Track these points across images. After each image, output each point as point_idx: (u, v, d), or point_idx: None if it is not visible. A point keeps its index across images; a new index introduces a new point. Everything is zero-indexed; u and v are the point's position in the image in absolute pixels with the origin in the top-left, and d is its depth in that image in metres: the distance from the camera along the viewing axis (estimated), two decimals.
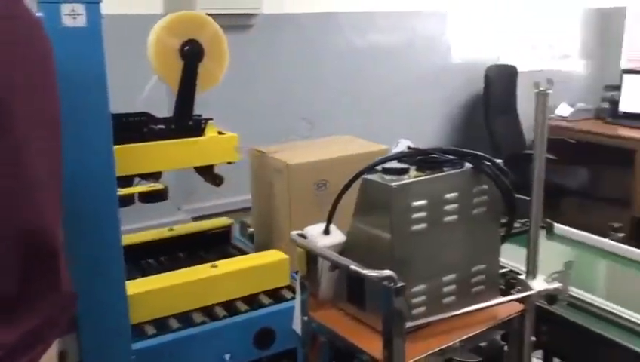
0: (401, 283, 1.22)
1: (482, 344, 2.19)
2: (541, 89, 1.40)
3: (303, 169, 1.92)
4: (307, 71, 3.49)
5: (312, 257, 1.49)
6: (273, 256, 1.81)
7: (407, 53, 3.89)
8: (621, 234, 2.20)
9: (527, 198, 1.50)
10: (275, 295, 1.78)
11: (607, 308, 1.61)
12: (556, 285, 1.49)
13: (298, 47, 3.43)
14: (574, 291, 1.64)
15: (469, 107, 4.18)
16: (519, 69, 4.19)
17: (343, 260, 1.34)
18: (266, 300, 1.75)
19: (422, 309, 1.41)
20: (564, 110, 4.54)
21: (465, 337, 1.44)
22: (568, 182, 4.04)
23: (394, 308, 1.24)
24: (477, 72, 4.12)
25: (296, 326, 1.58)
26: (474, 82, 4.13)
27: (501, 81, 4.08)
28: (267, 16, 3.24)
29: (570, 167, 4.13)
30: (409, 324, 1.36)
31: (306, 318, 1.53)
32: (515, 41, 4.40)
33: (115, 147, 1.33)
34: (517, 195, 1.54)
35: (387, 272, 1.23)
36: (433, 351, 1.38)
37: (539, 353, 2.19)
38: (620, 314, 1.58)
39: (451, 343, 1.42)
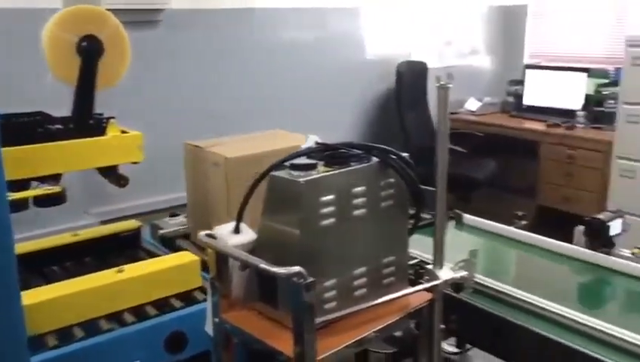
0: (310, 279, 1.22)
1: (397, 334, 2.24)
2: (442, 83, 1.43)
3: (240, 162, 1.90)
4: (218, 68, 3.43)
5: (222, 257, 1.46)
6: (183, 257, 1.76)
7: (319, 49, 3.91)
8: (524, 222, 2.30)
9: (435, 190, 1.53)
10: (187, 297, 1.73)
11: (512, 294, 1.67)
12: (462, 273, 1.53)
13: (208, 44, 3.37)
14: (481, 278, 1.70)
15: (382, 102, 4.26)
16: (429, 65, 4.31)
17: (252, 259, 1.32)
18: (177, 303, 1.70)
19: (333, 303, 1.41)
20: (472, 104, 4.72)
21: (377, 328, 1.46)
22: (478, 173, 4.21)
23: (304, 303, 1.23)
24: (389, 68, 4.20)
25: (209, 328, 1.54)
26: (386, 78, 4.21)
27: (412, 77, 4.19)
28: (176, 11, 3.16)
29: (479, 160, 4.30)
30: (320, 319, 1.36)
31: (217, 320, 1.50)
32: (426, 38, 4.52)
33: (4, 149, 1.24)
34: (425, 187, 1.58)
35: (296, 269, 1.22)
36: (345, 344, 1.38)
37: (454, 340, 2.28)
38: (525, 298, 1.64)
39: (363, 335, 1.43)
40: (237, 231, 1.47)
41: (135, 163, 1.75)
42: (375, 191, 1.47)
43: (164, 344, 1.63)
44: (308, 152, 1.44)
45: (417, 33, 4.46)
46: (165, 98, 3.20)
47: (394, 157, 1.49)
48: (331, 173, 1.37)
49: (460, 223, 2.34)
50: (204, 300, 1.70)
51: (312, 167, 1.36)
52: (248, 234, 1.47)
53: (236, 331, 1.47)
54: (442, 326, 1.59)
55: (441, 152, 1.47)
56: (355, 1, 4.07)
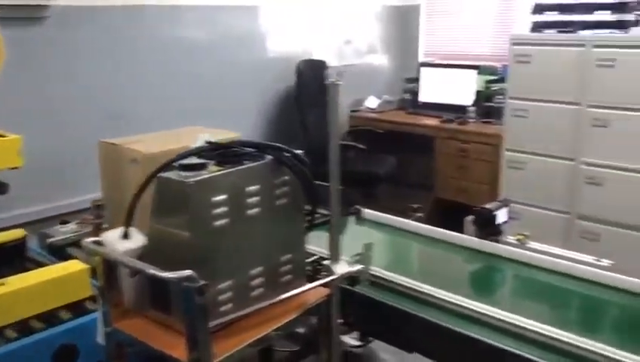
0: (202, 282, 1.19)
1: (302, 331, 2.25)
2: (332, 80, 1.44)
3: (159, 158, 1.85)
4: (112, 67, 3.29)
5: (110, 264, 1.40)
6: (71, 266, 1.67)
7: (218, 47, 3.84)
8: (420, 214, 2.38)
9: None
10: (77, 308, 1.64)
11: (408, 284, 1.71)
12: (357, 267, 1.56)
13: (101, 42, 3.22)
14: (377, 271, 1.74)
15: (283, 101, 4.26)
16: (329, 64, 4.36)
17: (141, 264, 1.27)
18: (66, 315, 1.61)
19: (230, 305, 1.39)
20: (371, 102, 4.82)
21: (276, 327, 1.46)
22: (379, 169, 4.30)
23: (197, 307, 1.20)
24: (289, 66, 4.21)
25: (100, 338, 1.47)
26: (287, 77, 4.21)
27: (312, 75, 4.21)
28: (64, 7, 2.99)
29: (380, 156, 4.39)
30: (216, 322, 1.33)
31: (109, 329, 1.44)
32: (325, 36, 4.57)
33: None
34: (321, 183, 1.59)
35: (187, 272, 1.19)
36: (243, 345, 1.37)
37: (357, 334, 2.32)
38: (419, 288, 1.69)
39: (261, 335, 1.42)
40: (126, 236, 1.41)
41: (14, 168, 1.64)
42: (269, 189, 1.46)
43: (53, 358, 1.53)
44: (198, 152, 1.40)
45: (317, 32, 4.49)
46: (52, 100, 3.02)
47: (287, 154, 1.49)
48: (222, 172, 1.35)
49: (359, 218, 2.39)
50: (96, 310, 1.62)
51: (202, 166, 1.33)
52: (138, 240, 1.41)
53: (129, 340, 1.41)
54: (341, 320, 1.61)
55: (333, 149, 1.48)
56: (254, 0, 4.04)
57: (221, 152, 1.42)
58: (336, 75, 1.45)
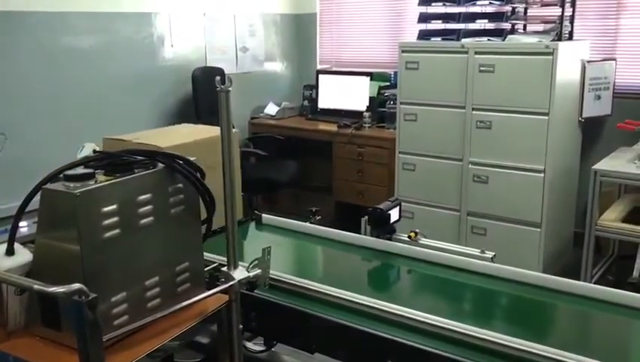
0: (92, 296, 1.16)
1: (205, 340, 2.22)
2: (222, 87, 1.45)
3: (178, 151, 1.77)
4: (8, 73, 3.11)
5: None
6: None
7: (111, 55, 3.73)
8: (318, 217, 2.44)
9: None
10: None
11: (307, 286, 1.75)
12: (256, 272, 1.58)
13: None
14: (276, 274, 1.76)
15: (181, 109, 4.20)
16: (226, 71, 4.34)
17: (26, 281, 1.22)
18: None
19: (125, 318, 1.36)
20: (271, 109, 4.86)
21: (174, 336, 1.44)
22: (281, 175, 4.34)
23: (88, 322, 1.16)
24: (185, 74, 4.16)
25: None
26: (184, 85, 4.16)
27: (209, 83, 4.17)
28: None
29: (281, 161, 4.44)
30: (110, 335, 1.30)
31: None
32: (221, 44, 4.55)
33: None
34: None
35: (76, 286, 1.15)
36: (140, 357, 1.34)
37: (261, 339, 2.32)
38: (319, 289, 1.72)
39: (159, 345, 1.40)
40: (10, 252, 1.34)
41: None
42: (163, 198, 1.44)
43: None
44: (85, 162, 1.36)
45: (213, 40, 4.47)
46: None
47: (180, 162, 1.48)
48: (111, 182, 1.32)
49: (260, 223, 2.40)
50: None
51: (90, 176, 1.30)
52: (24, 256, 1.35)
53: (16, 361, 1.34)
54: (241, 326, 1.61)
55: (226, 155, 1.49)
56: (148, 7, 3.95)
57: (110, 161, 1.39)
58: (227, 80, 1.46)
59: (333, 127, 4.43)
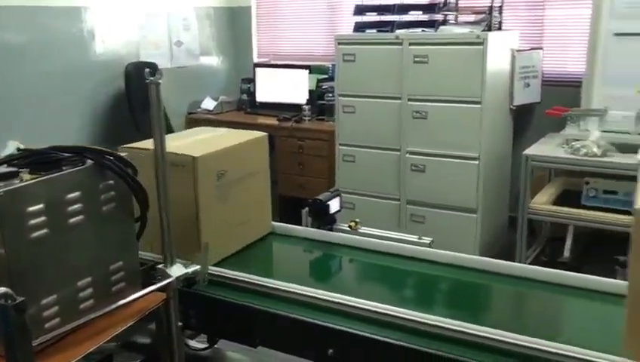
0: (20, 299, 1.11)
1: (146, 341, 2.17)
2: (151, 79, 1.41)
3: (209, 160, 1.78)
4: None
5: None
6: None
7: (39, 51, 3.59)
8: None
9: None
10: None
11: (247, 279, 1.73)
12: (193, 268, 1.55)
13: None
14: (215, 270, 1.74)
15: (115, 104, 4.08)
16: (160, 66, 4.25)
17: None
18: None
19: (56, 320, 1.31)
20: (208, 104, 4.79)
21: (109, 338, 1.40)
22: None
23: (16, 326, 1.12)
24: (118, 69, 4.05)
25: None
26: (116, 80, 4.05)
27: (142, 78, 4.07)
28: None
29: None
30: (41, 339, 1.25)
31: None
32: (154, 38, 4.45)
33: None
34: None
35: (1, 289, 1.10)
36: (75, 359, 1.30)
37: (204, 337, 2.29)
38: (259, 282, 1.71)
39: (94, 347, 1.35)
40: None
41: None
42: (93, 195, 1.40)
43: None
44: (8, 160, 1.30)
45: (145, 34, 4.36)
46: None
47: (110, 158, 1.44)
48: (37, 180, 1.27)
49: None
50: None
51: (14, 175, 1.24)
52: None
53: None
54: (181, 323, 1.59)
55: (159, 150, 1.46)
56: (78, 1, 3.82)
57: (35, 159, 1.33)
58: (157, 73, 1.42)
59: (273, 121, 4.41)
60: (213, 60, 5.04)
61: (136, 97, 3.98)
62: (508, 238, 3.76)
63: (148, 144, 1.80)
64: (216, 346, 2.25)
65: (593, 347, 1.29)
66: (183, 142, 1.88)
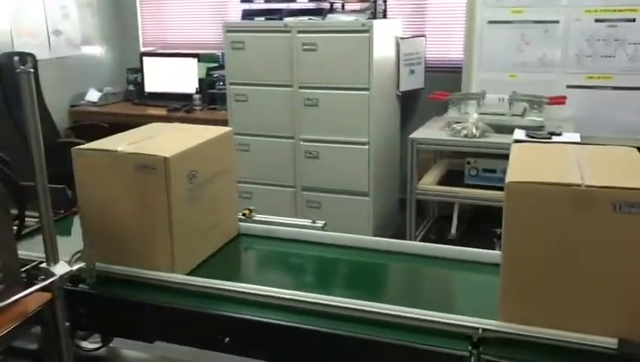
0: None
1: (32, 346, 2.06)
2: (22, 68, 1.33)
3: (180, 161, 1.60)
4: None
5: None
6: None
7: None
8: None
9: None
10: None
11: (135, 274, 1.66)
12: (79, 265, 1.49)
13: None
14: (104, 266, 1.67)
15: None
16: (38, 57, 3.99)
17: None
18: None
19: None
20: (92, 95, 4.57)
21: None
22: None
23: None
24: None
25: None
26: None
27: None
28: None
29: None
30: None
31: None
32: (30, 27, 4.17)
33: None
34: (28, 183, 1.47)
35: None
36: None
37: (98, 337, 2.20)
38: (152, 276, 1.65)
39: None
40: None
41: None
42: None
43: None
44: None
45: (20, 22, 4.07)
46: None
47: None
48: None
49: None
50: None
51: None
52: None
53: None
54: (68, 323, 1.52)
55: (35, 144, 1.38)
56: None
57: None
58: (29, 62, 1.34)
59: (163, 111, 4.29)
60: (97, 50, 4.81)
61: (13, 92, 3.71)
62: (399, 219, 3.92)
63: (107, 144, 1.67)
64: (110, 345, 2.19)
65: (477, 314, 1.38)
66: (144, 142, 1.70)
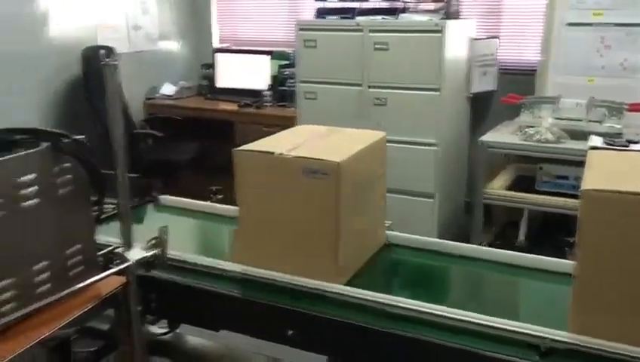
0: None
1: (105, 327, 2.15)
2: (107, 61, 1.40)
3: (349, 166, 1.52)
4: None
5: None
6: None
7: None
8: (220, 196, 2.43)
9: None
10: None
11: (207, 263, 1.72)
12: (153, 251, 1.55)
13: None
14: (175, 254, 1.73)
15: (70, 90, 3.99)
16: (118, 51, 4.17)
17: None
18: None
19: (11, 305, 1.29)
20: (168, 89, 4.72)
21: (66, 322, 1.38)
22: (180, 156, 4.25)
23: None
24: (74, 53, 3.95)
25: None
26: (72, 64, 3.95)
27: (99, 63, 3.99)
28: None
29: (180, 143, 4.34)
30: None
31: None
32: (112, 22, 4.35)
33: None
34: (108, 171, 1.53)
35: None
36: (28, 345, 1.28)
37: (165, 323, 2.28)
38: (219, 266, 1.71)
39: (49, 333, 1.34)
40: None
41: None
42: (48, 178, 1.37)
43: None
44: None
45: (102, 18, 4.26)
46: None
47: (67, 140, 1.42)
48: None
49: (159, 205, 2.35)
50: None
51: None
52: None
53: None
54: (140, 307, 1.58)
55: (117, 133, 1.44)
56: None
57: None
58: (113, 55, 1.40)
59: (234, 107, 4.39)
60: (173, 45, 4.97)
61: (95, 82, 3.89)
62: (464, 223, 3.85)
63: (267, 146, 1.63)
64: (177, 331, 2.26)
65: (544, 323, 1.34)
66: (308, 146, 1.64)
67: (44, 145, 1.37)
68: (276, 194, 1.59)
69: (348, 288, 1.56)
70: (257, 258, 1.63)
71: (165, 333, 2.21)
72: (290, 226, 1.59)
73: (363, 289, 1.54)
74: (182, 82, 4.83)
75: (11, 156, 1.29)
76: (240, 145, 1.75)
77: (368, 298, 1.51)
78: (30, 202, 1.33)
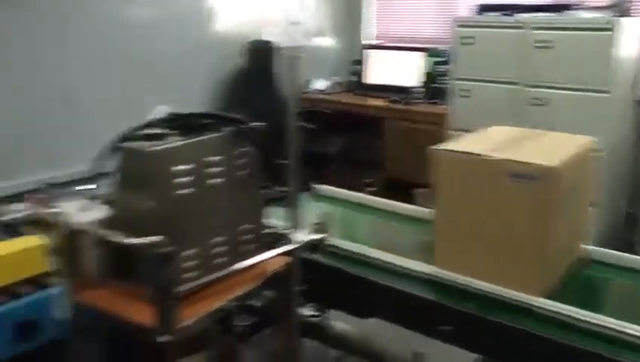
0: (169, 248, 1.22)
1: (258, 304, 2.28)
2: (292, 54, 1.48)
3: (563, 172, 1.44)
4: (60, 46, 3.22)
5: (72, 235, 1.40)
6: (27, 241, 1.65)
7: (161, 26, 3.79)
8: (373, 188, 2.46)
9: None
10: (35, 283, 1.62)
11: (365, 252, 1.78)
12: (317, 235, 1.62)
13: (50, 20, 3.15)
14: (335, 241, 1.79)
15: (231, 82, 4.24)
16: (276, 45, 4.36)
17: (109, 233, 1.29)
18: (24, 289, 1.59)
19: (194, 273, 1.42)
20: (320, 84, 4.87)
21: (235, 296, 1.49)
22: (328, 149, 4.37)
23: (164, 274, 1.23)
24: (237, 47, 4.20)
25: (60, 312, 1.47)
26: (235, 57, 4.20)
27: (261, 57, 4.22)
28: None
29: (329, 136, 4.46)
30: (181, 288, 1.36)
31: (70, 303, 1.44)
32: (273, 17, 4.56)
33: None
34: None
35: (154, 238, 1.21)
36: (207, 312, 1.40)
37: (313, 307, 2.37)
38: (378, 256, 1.76)
39: (223, 303, 1.45)
40: (87, 208, 1.42)
41: None
42: (230, 160, 1.49)
43: (13, 333, 1.52)
44: (160, 122, 1.42)
45: (263, 13, 4.49)
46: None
47: (247, 127, 1.52)
48: (185, 142, 1.37)
49: (316, 195, 2.44)
50: (54, 285, 1.61)
51: (164, 136, 1.35)
52: (98, 211, 1.42)
53: (92, 311, 1.42)
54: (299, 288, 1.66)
55: (292, 123, 1.52)
56: None
57: (182, 123, 1.44)
58: (294, 50, 1.48)
59: (383, 103, 4.42)
60: (326, 41, 5.10)
61: (256, 76, 4.12)
62: (623, 236, 3.56)
63: (466, 147, 1.58)
64: (325, 315, 2.33)
65: None
66: (514, 149, 1.57)
67: (229, 129, 1.49)
68: (477, 197, 1.54)
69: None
70: (453, 261, 1.61)
71: (315, 316, 2.29)
72: (488, 230, 1.53)
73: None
74: (334, 77, 4.95)
75: (203, 138, 1.41)
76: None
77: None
78: (214, 180, 1.45)
